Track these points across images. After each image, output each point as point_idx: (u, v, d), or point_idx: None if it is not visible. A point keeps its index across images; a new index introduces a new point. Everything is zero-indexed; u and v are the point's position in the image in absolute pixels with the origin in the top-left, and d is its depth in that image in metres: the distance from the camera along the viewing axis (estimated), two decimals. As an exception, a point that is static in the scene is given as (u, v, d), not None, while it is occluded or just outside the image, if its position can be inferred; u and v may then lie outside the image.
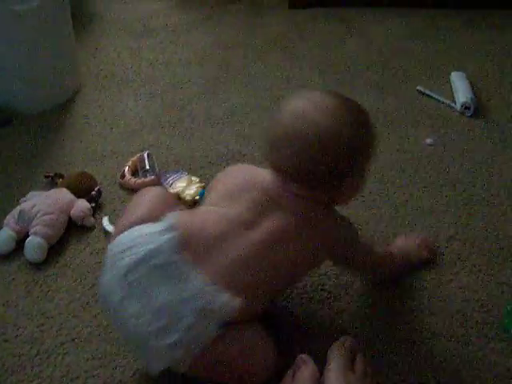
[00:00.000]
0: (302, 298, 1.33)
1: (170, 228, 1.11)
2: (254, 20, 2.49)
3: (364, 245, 1.29)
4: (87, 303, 1.33)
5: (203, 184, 1.59)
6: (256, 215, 1.14)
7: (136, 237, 1.12)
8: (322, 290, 1.34)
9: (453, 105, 1.91)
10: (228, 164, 1.66)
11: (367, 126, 1.17)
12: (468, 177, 1.64)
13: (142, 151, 1.71)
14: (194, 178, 1.62)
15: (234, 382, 1.13)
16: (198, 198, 1.56)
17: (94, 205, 1.56)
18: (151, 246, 1.08)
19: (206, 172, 1.66)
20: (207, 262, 1.09)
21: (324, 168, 1.11)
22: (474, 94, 1.92)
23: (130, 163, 1.68)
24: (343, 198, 1.20)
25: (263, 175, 1.19)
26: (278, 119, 1.15)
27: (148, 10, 2.60)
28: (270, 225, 1.13)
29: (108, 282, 1.11)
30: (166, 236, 1.09)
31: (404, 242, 1.40)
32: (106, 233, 1.49)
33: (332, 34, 2.36)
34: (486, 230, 1.48)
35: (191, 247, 1.09)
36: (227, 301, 1.06)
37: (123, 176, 1.65)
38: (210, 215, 1.17)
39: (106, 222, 1.52)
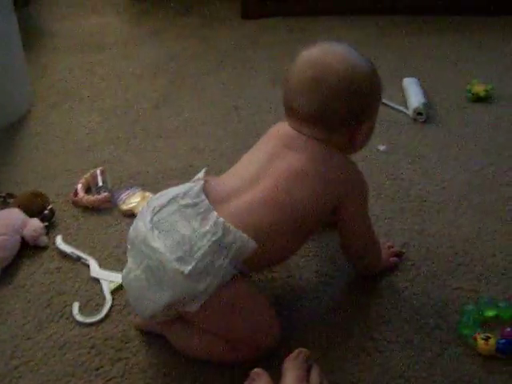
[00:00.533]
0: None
1: (198, 179, 1.23)
2: (206, 32, 2.49)
3: (368, 216, 1.31)
4: (42, 324, 1.31)
5: None
6: (270, 161, 1.22)
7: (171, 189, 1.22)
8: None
9: (406, 111, 1.92)
10: (181, 178, 1.65)
11: (376, 72, 1.26)
12: (421, 182, 1.65)
13: (95, 168, 1.70)
14: (147, 194, 1.61)
15: (239, 341, 1.18)
16: None
17: (47, 224, 1.54)
18: (182, 190, 1.19)
19: (159, 187, 1.62)
20: (225, 206, 1.17)
21: (343, 108, 1.20)
22: (427, 99, 1.94)
23: (82, 180, 1.66)
24: (357, 143, 1.27)
25: (279, 127, 1.29)
26: (295, 67, 1.23)
27: (99, 25, 2.59)
28: (282, 165, 1.21)
29: (140, 217, 1.19)
30: (194, 184, 1.20)
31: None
32: (61, 252, 1.48)
33: (284, 44, 2.37)
34: (440, 235, 1.48)
35: (212, 194, 1.18)
36: (241, 238, 1.13)
37: (76, 194, 1.63)
38: (231, 173, 1.27)
39: (59, 240, 1.50)
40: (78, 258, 1.47)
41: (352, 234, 1.31)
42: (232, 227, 1.13)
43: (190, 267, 1.10)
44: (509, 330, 1.23)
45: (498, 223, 1.52)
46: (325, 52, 1.23)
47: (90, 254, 1.48)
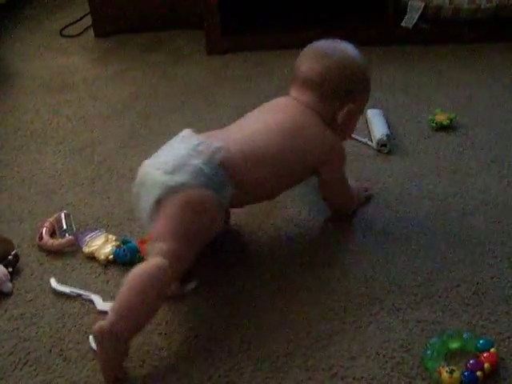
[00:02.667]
0: (221, 351, 1.32)
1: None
2: (173, 69, 2.50)
3: (345, 178, 1.59)
4: (5, 372, 1.30)
5: (118, 243, 1.58)
6: (261, 116, 1.55)
7: None
8: (241, 341, 1.33)
9: (369, 143, 1.94)
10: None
11: (369, 71, 1.60)
12: (384, 215, 1.66)
13: (60, 211, 1.69)
14: (110, 237, 1.60)
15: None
16: (111, 257, 1.55)
17: (11, 270, 1.53)
18: (184, 133, 1.46)
19: (124, 228, 1.65)
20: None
21: (338, 81, 1.50)
22: (390, 130, 1.95)
23: (47, 224, 1.65)
24: (337, 122, 1.53)
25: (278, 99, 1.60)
26: (311, 45, 1.58)
27: (67, 65, 2.59)
28: (273, 119, 1.51)
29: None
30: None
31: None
32: (58, 293, 1.49)
33: (248, 78, 2.39)
34: (404, 268, 1.49)
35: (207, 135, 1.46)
36: (214, 144, 1.39)
37: (41, 237, 1.62)
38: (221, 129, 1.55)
39: (54, 283, 1.50)
40: (79, 295, 1.47)
41: (330, 192, 1.60)
42: (205, 139, 1.41)
43: (167, 166, 1.35)
44: (473, 361, 1.24)
45: (462, 253, 1.52)
46: (336, 41, 1.58)
47: (56, 298, 1.47)
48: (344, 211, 1.65)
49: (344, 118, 1.54)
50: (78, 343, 1.36)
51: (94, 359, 1.31)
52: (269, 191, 1.53)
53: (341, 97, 1.53)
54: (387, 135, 1.90)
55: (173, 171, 1.35)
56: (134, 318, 1.25)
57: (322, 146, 1.52)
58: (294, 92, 1.56)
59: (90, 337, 1.34)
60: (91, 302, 1.45)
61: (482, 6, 2.49)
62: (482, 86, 2.25)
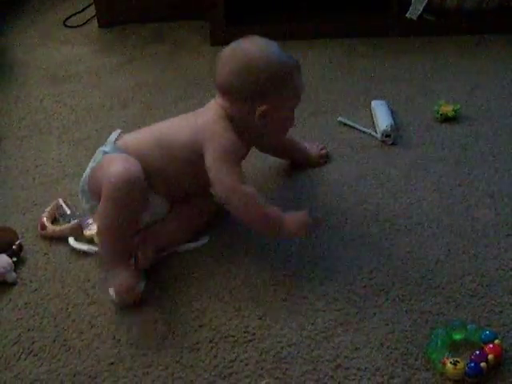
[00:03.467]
0: (225, 342, 1.32)
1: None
2: (176, 60, 2.49)
3: (230, 168, 1.47)
4: (9, 362, 1.31)
5: None
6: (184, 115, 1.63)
7: None
8: (245, 331, 1.34)
9: (374, 134, 1.93)
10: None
11: (288, 66, 1.52)
12: (389, 206, 1.65)
13: (56, 200, 1.70)
14: None
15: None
16: None
17: (15, 259, 1.53)
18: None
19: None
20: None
21: (243, 84, 1.47)
22: (395, 121, 1.95)
23: (46, 214, 1.65)
24: (257, 123, 1.51)
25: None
26: (223, 49, 1.53)
27: (70, 55, 2.58)
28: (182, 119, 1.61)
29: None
30: None
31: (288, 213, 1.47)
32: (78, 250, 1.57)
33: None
34: (409, 259, 1.49)
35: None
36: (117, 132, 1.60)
37: (43, 227, 1.62)
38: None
39: (72, 240, 1.58)
40: (97, 253, 1.54)
41: (211, 179, 1.48)
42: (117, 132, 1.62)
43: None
44: (477, 353, 1.24)
45: (467, 245, 1.52)
46: (248, 40, 1.54)
47: (60, 287, 1.48)
48: (262, 230, 1.51)
49: (260, 120, 1.51)
50: (82, 333, 1.36)
51: (97, 348, 1.31)
52: (166, 177, 1.54)
53: (250, 99, 1.49)
54: (391, 126, 1.90)
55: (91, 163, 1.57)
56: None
57: (207, 133, 1.51)
58: (216, 95, 1.56)
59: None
60: None
61: (487, -3, 2.48)
62: (486, 77, 2.25)
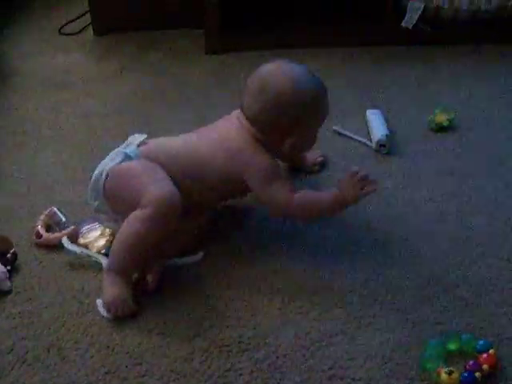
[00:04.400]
0: (220, 352, 1.32)
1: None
2: (170, 68, 2.49)
3: (278, 184, 1.51)
4: (3, 371, 1.30)
5: (113, 238, 1.57)
6: (209, 131, 1.63)
7: None
8: (240, 341, 1.33)
9: (369, 143, 1.93)
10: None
11: (318, 96, 1.55)
12: (384, 216, 1.66)
13: (49, 207, 1.70)
14: (107, 230, 1.61)
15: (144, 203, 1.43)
16: (103, 251, 1.56)
17: (9, 268, 1.53)
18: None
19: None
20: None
21: (275, 119, 1.49)
22: (389, 130, 1.95)
23: (40, 222, 1.65)
24: (286, 153, 1.57)
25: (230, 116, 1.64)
26: (254, 75, 1.55)
27: (65, 63, 2.58)
28: (211, 137, 1.59)
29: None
30: None
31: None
32: (70, 252, 1.57)
33: (246, 78, 2.37)
34: (404, 268, 1.49)
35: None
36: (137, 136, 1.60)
37: (39, 235, 1.62)
38: None
39: (66, 242, 1.57)
40: (89, 256, 1.55)
41: (265, 203, 1.55)
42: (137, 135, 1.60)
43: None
44: (472, 363, 1.24)
45: (462, 254, 1.53)
46: (277, 68, 1.54)
47: (55, 296, 1.47)
48: (310, 216, 1.58)
49: (288, 150, 1.56)
50: (77, 342, 1.36)
51: (92, 357, 1.31)
52: (187, 192, 1.50)
53: (279, 132, 1.52)
54: (386, 135, 1.90)
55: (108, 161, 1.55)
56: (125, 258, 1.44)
57: (240, 155, 1.53)
58: (242, 115, 1.57)
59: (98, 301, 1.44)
60: (99, 263, 1.53)
61: (482, 7, 2.48)
62: (481, 86, 2.26)
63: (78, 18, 2.91)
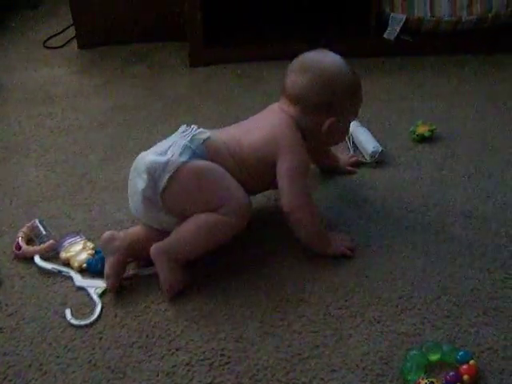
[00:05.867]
0: (201, 365, 1.32)
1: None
2: (155, 81, 2.50)
3: (303, 182, 1.55)
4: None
5: (93, 252, 1.60)
6: (248, 121, 1.65)
7: None
8: (221, 354, 1.33)
9: (363, 159, 1.93)
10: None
11: (357, 82, 1.62)
12: (365, 228, 1.66)
13: (32, 220, 1.71)
14: (88, 244, 1.63)
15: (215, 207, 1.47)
16: (84, 266, 1.57)
17: (-9, 283, 1.53)
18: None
19: (105, 241, 1.64)
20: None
21: (317, 96, 1.53)
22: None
23: (21, 234, 1.66)
24: (321, 136, 1.58)
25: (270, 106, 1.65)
26: (296, 59, 1.60)
27: (49, 77, 2.59)
28: (248, 125, 1.63)
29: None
30: None
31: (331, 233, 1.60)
32: (42, 269, 1.58)
33: (232, 90, 2.39)
34: (385, 280, 1.49)
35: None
36: (199, 129, 1.56)
37: (19, 247, 1.63)
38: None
39: (37, 259, 1.59)
40: (60, 272, 1.56)
41: (281, 193, 1.54)
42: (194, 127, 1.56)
43: (158, 149, 1.51)
44: (452, 374, 1.25)
45: (442, 265, 1.53)
46: (318, 53, 1.61)
47: (36, 311, 1.47)
48: (313, 245, 1.57)
49: (326, 131, 1.57)
50: (58, 357, 1.36)
51: (74, 372, 1.31)
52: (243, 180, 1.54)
53: (323, 110, 1.56)
54: (378, 147, 1.91)
55: (162, 152, 1.50)
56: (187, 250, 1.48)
57: (280, 138, 1.54)
58: (281, 102, 1.60)
59: (66, 311, 1.45)
60: (70, 278, 1.55)
61: (463, 19, 2.50)
62: (462, 97, 2.27)
63: (63, 31, 2.92)
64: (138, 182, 1.49)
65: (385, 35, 2.55)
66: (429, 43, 2.56)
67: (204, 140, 1.53)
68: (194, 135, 1.53)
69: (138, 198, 1.50)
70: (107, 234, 1.51)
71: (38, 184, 1.91)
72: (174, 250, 1.46)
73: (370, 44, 2.58)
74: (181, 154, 1.48)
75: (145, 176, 1.47)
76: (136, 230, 1.56)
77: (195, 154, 1.50)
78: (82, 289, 1.52)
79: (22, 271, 1.59)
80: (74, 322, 1.43)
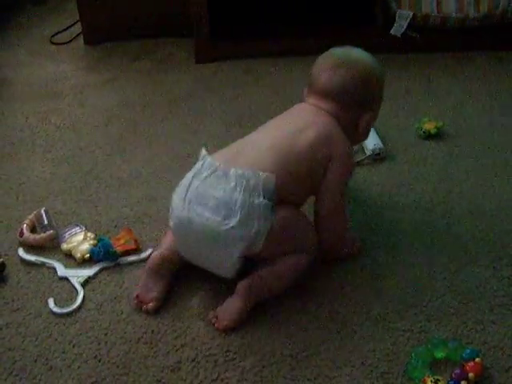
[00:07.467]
0: (207, 361, 1.32)
1: (204, 156, 1.45)
2: (161, 77, 2.50)
3: (344, 189, 1.53)
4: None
5: (96, 241, 1.61)
6: (282, 121, 1.55)
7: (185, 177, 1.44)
8: (227, 350, 1.34)
9: (365, 156, 1.92)
10: (134, 226, 1.68)
11: (384, 77, 1.60)
12: (371, 223, 1.66)
13: (40, 208, 1.72)
14: (89, 234, 1.64)
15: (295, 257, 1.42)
16: (87, 256, 1.58)
17: (-3, 278, 1.54)
18: (196, 169, 1.42)
19: (111, 236, 1.64)
20: (237, 162, 1.40)
21: (357, 91, 1.51)
22: (380, 137, 1.95)
23: (27, 221, 1.68)
24: (359, 130, 1.56)
25: (297, 105, 1.59)
26: (325, 55, 1.59)
27: (55, 73, 2.58)
28: (289, 125, 1.51)
29: (175, 206, 1.42)
30: (202, 161, 1.43)
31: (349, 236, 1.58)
32: (25, 261, 1.60)
33: (238, 87, 2.39)
34: (391, 277, 1.49)
35: (223, 159, 1.42)
36: (262, 176, 1.36)
37: (22, 234, 1.64)
38: (235, 143, 1.53)
39: (21, 252, 1.61)
40: (43, 264, 1.58)
41: (323, 197, 1.49)
42: (249, 172, 1.35)
43: (236, 218, 1.33)
44: (458, 371, 1.24)
45: (448, 262, 1.53)
46: (348, 49, 1.60)
47: (42, 306, 1.47)
48: (335, 247, 1.54)
49: (364, 127, 1.57)
50: (64, 352, 1.36)
51: (79, 367, 1.31)
52: (300, 198, 1.52)
53: (361, 106, 1.54)
54: (378, 144, 1.91)
55: (247, 223, 1.34)
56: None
57: (334, 147, 1.47)
58: (312, 100, 1.55)
59: (49, 300, 1.47)
60: (54, 269, 1.56)
61: (470, 15, 2.50)
62: (469, 94, 2.26)
63: (69, 27, 2.92)
64: (225, 253, 1.38)
65: (391, 31, 2.55)
66: (436, 40, 2.55)
67: (272, 180, 1.37)
68: (266, 188, 1.37)
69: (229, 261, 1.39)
70: (156, 255, 1.48)
71: (44, 180, 1.91)
72: (260, 290, 1.40)
73: (377, 40, 2.56)
74: (263, 212, 1.36)
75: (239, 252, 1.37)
76: (171, 242, 1.50)
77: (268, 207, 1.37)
78: (64, 278, 1.54)
79: (28, 266, 1.59)
80: (56, 310, 1.45)
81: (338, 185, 1.49)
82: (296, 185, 1.44)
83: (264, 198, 1.35)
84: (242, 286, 1.38)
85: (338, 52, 1.59)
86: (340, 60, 1.55)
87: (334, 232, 1.52)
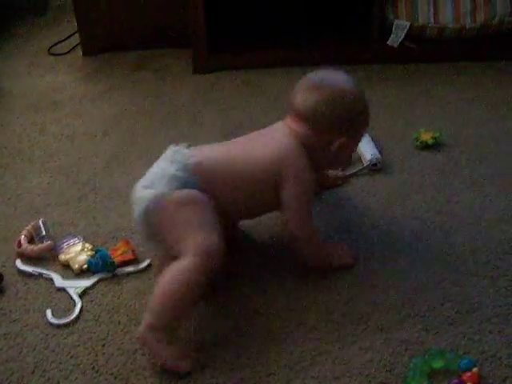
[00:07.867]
0: (204, 372, 1.32)
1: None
2: (159, 88, 2.50)
3: (308, 206, 1.54)
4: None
5: (93, 252, 1.61)
6: (248, 139, 1.60)
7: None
8: (224, 361, 1.34)
9: (363, 167, 1.92)
10: (131, 237, 1.68)
11: (365, 103, 1.57)
12: (368, 234, 1.66)
13: (38, 219, 1.73)
14: (87, 245, 1.64)
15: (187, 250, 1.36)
16: (85, 266, 1.59)
17: (-6, 289, 1.54)
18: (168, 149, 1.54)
19: (108, 246, 1.65)
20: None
21: (330, 115, 1.49)
22: (377, 148, 1.96)
23: (25, 232, 1.68)
24: (330, 154, 1.53)
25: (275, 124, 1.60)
26: (304, 77, 1.58)
27: (54, 83, 2.59)
28: (251, 142, 1.57)
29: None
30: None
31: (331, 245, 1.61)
32: (23, 272, 1.60)
33: (235, 97, 2.39)
34: (387, 287, 1.49)
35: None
36: (183, 150, 1.51)
37: (20, 245, 1.65)
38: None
39: (19, 263, 1.61)
40: (41, 275, 1.58)
41: (286, 213, 1.52)
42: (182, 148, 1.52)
43: (147, 181, 1.48)
44: (456, 381, 1.25)
45: (445, 272, 1.53)
46: (328, 72, 1.59)
47: (40, 317, 1.48)
48: (318, 257, 1.56)
49: (335, 151, 1.53)
50: (61, 363, 1.36)
51: (76, 379, 1.31)
52: (239, 206, 1.53)
53: (334, 129, 1.51)
54: (375, 154, 1.91)
55: (151, 185, 1.46)
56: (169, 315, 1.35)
57: (286, 164, 1.49)
58: (288, 120, 1.55)
59: (47, 311, 1.47)
60: (51, 280, 1.57)
61: (467, 26, 2.51)
62: (466, 104, 2.27)
63: (67, 38, 2.92)
64: (136, 217, 1.48)
65: (388, 42, 2.55)
66: (433, 50, 2.56)
67: (193, 166, 1.47)
68: (185, 163, 1.47)
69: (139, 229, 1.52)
70: None
71: (42, 190, 1.92)
72: (158, 321, 1.33)
73: (374, 51, 2.58)
74: (167, 184, 1.44)
75: (137, 211, 1.46)
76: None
77: (184, 183, 1.44)
78: (62, 289, 1.55)
79: (26, 277, 1.59)
80: (53, 321, 1.45)
81: (297, 202, 1.50)
82: (244, 199, 1.51)
83: (179, 169, 1.45)
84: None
85: (318, 75, 1.58)
86: (316, 83, 1.54)
87: (305, 248, 1.54)
